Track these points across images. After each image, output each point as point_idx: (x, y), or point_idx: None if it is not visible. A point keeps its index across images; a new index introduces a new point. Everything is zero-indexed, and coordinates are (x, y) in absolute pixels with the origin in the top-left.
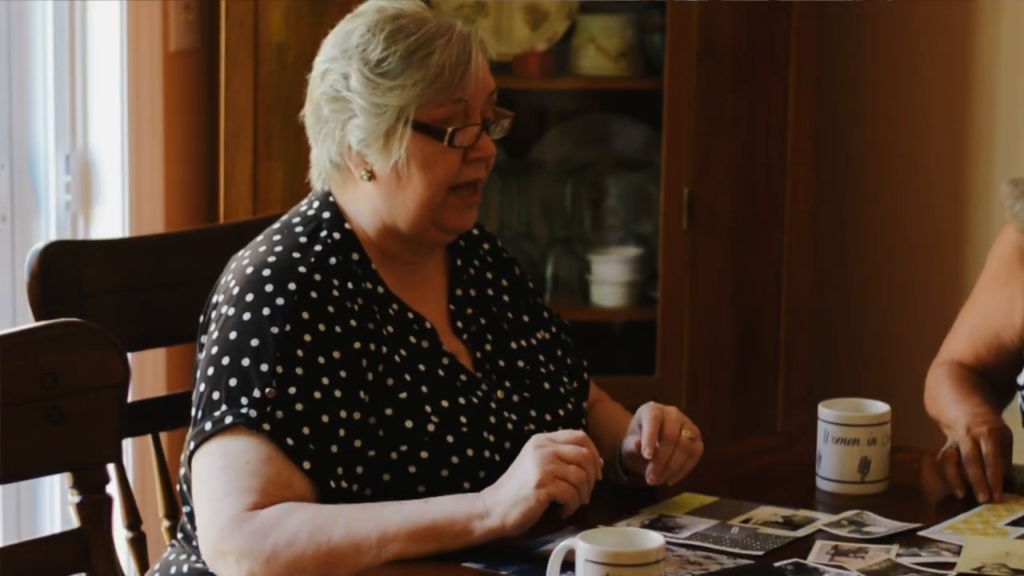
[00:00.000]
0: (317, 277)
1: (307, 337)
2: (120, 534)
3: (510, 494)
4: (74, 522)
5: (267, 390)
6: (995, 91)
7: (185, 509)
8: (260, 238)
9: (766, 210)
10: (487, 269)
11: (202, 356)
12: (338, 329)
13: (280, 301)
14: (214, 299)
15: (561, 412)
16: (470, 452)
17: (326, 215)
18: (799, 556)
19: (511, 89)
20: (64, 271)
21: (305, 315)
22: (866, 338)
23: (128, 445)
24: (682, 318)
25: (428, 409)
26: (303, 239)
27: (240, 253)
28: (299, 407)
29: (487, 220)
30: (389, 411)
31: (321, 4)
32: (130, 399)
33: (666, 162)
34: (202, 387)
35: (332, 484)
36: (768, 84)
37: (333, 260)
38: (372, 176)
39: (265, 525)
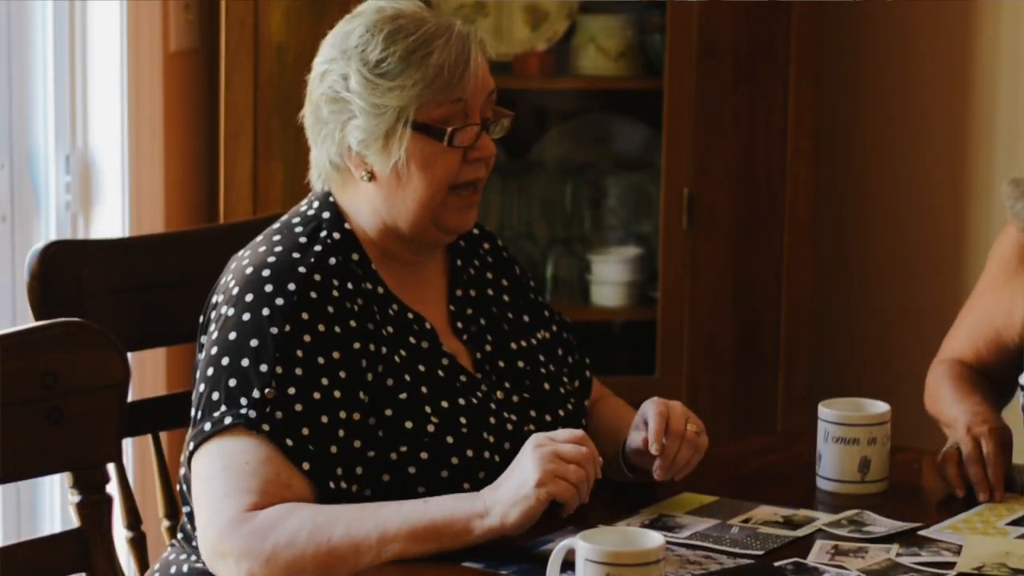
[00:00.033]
0: (317, 277)
1: (307, 337)
2: (120, 534)
3: (510, 493)
4: (74, 522)
5: (266, 391)
6: (995, 91)
7: (185, 509)
8: (260, 238)
9: (766, 210)
10: (487, 269)
11: (202, 356)
12: (338, 329)
13: (280, 301)
14: (214, 299)
15: (561, 412)
16: (470, 453)
17: (326, 215)
18: (799, 556)
19: (511, 89)
20: (64, 271)
21: (305, 315)
22: (866, 338)
23: (128, 445)
24: (682, 318)
25: (428, 410)
26: (303, 239)
27: (240, 253)
28: (298, 408)
29: (487, 220)
30: (389, 412)
31: (321, 4)
32: (130, 399)
33: (666, 162)
34: (201, 387)
35: (331, 485)
36: (768, 84)
37: (333, 260)
38: (372, 177)
39: (264, 526)
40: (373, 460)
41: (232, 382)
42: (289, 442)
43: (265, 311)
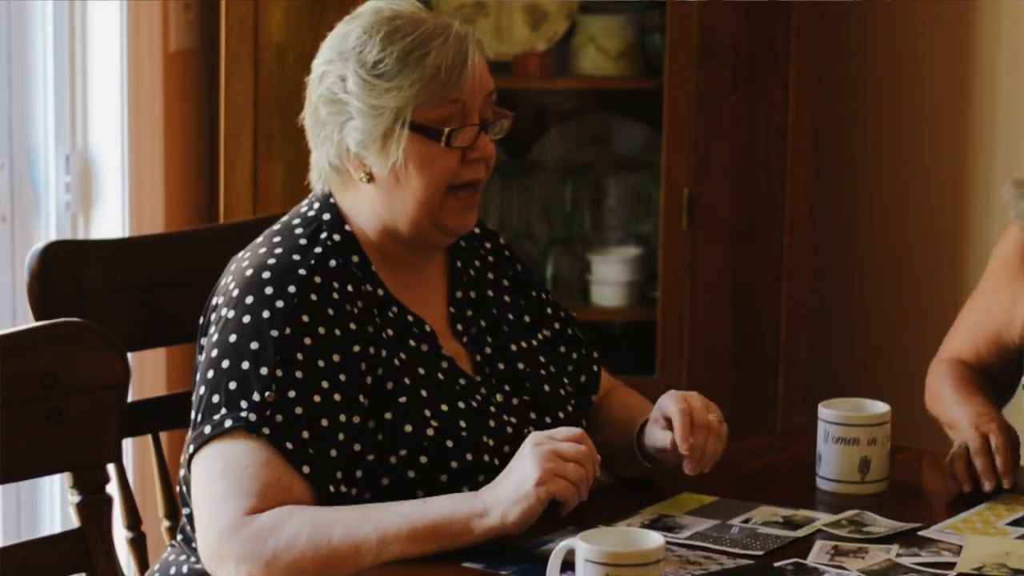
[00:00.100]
0: (317, 280)
1: (307, 340)
2: (120, 534)
3: (509, 492)
4: (74, 522)
5: (267, 394)
6: (995, 91)
7: (185, 510)
8: (260, 239)
9: (766, 210)
10: (488, 269)
11: (202, 358)
12: (338, 332)
13: (280, 304)
14: (214, 301)
15: (561, 414)
16: (469, 456)
17: (326, 217)
18: (799, 556)
19: (511, 89)
20: (64, 271)
21: (305, 318)
22: (866, 338)
23: (128, 445)
24: (682, 318)
25: (427, 413)
26: (303, 241)
27: (240, 254)
28: (299, 411)
29: (487, 220)
30: (388, 415)
31: (321, 4)
32: (130, 399)
33: (666, 162)
34: (202, 390)
35: (331, 488)
36: (768, 84)
37: (333, 262)
38: (371, 178)
39: (264, 529)
40: (372, 464)
41: (232, 385)
42: (289, 445)
43: (265, 313)
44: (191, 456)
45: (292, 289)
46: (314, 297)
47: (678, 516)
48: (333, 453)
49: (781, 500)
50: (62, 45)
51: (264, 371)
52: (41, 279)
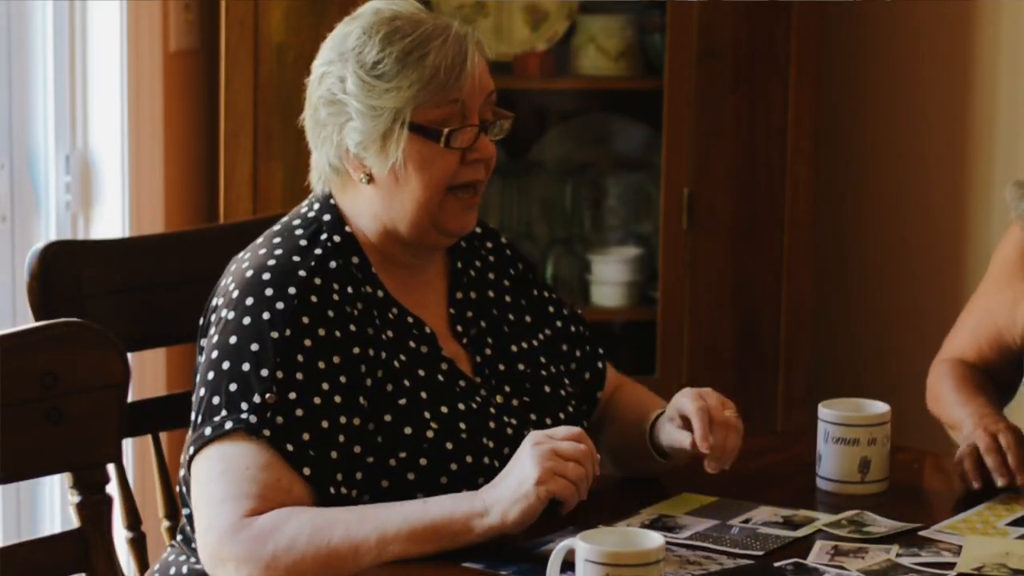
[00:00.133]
0: (317, 281)
1: (307, 342)
2: (120, 534)
3: (509, 492)
4: (74, 522)
5: (267, 395)
6: (995, 91)
7: (185, 511)
8: (260, 240)
9: (766, 210)
10: (489, 269)
11: (202, 360)
12: (338, 334)
13: (280, 305)
14: (214, 302)
15: (562, 415)
16: (469, 459)
17: (326, 217)
18: (799, 556)
19: (511, 89)
20: (64, 271)
21: (305, 319)
22: (866, 338)
23: (128, 445)
24: (682, 318)
25: (427, 415)
26: (303, 242)
27: (240, 255)
28: (299, 413)
29: (487, 220)
30: (388, 417)
31: (321, 4)
32: (130, 399)
33: (666, 162)
34: (202, 391)
35: (331, 490)
36: (768, 84)
37: (333, 264)
38: (370, 179)
39: (264, 530)
40: (372, 466)
41: (232, 386)
42: (290, 447)
43: (265, 315)
44: (191, 457)
45: (292, 291)
46: (314, 299)
47: (678, 516)
48: (333, 455)
49: (781, 500)
50: (62, 45)
51: (264, 373)
52: (41, 279)
